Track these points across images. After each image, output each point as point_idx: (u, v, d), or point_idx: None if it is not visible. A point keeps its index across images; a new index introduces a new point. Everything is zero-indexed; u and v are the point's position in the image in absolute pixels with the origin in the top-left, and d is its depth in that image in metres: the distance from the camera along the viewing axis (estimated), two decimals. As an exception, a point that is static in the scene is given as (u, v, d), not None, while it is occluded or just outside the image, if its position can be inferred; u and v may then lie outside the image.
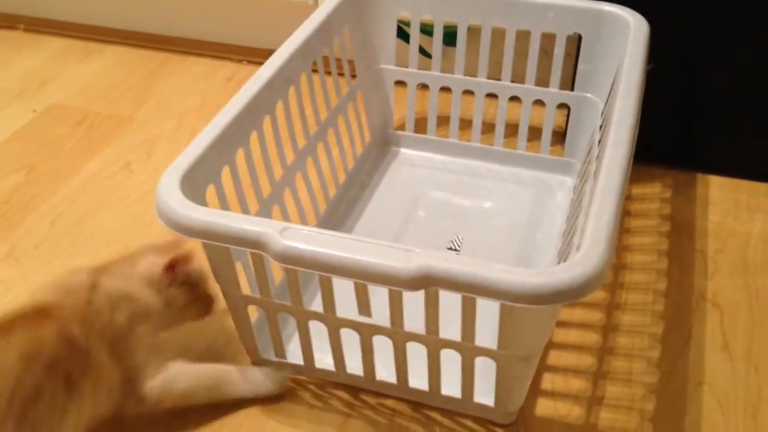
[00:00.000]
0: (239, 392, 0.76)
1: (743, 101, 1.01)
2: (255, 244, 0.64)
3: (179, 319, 0.76)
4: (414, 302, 0.66)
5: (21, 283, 0.92)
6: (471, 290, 0.60)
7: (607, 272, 0.60)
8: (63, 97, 1.26)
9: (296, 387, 0.79)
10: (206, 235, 0.65)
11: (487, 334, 0.67)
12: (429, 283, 0.60)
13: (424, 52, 1.11)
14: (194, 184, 0.71)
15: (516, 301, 0.59)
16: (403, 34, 1.08)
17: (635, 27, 0.91)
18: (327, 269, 0.62)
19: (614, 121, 0.76)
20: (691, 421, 0.75)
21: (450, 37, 1.05)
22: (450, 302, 0.64)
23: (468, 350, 0.69)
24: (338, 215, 1.01)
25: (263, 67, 0.86)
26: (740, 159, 1.05)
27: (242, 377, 0.76)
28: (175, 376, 0.72)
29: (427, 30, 1.06)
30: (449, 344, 0.69)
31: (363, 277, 0.61)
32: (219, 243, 0.65)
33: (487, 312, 0.64)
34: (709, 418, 0.75)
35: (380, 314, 0.69)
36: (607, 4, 0.96)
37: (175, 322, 0.76)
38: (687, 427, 0.74)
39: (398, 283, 0.60)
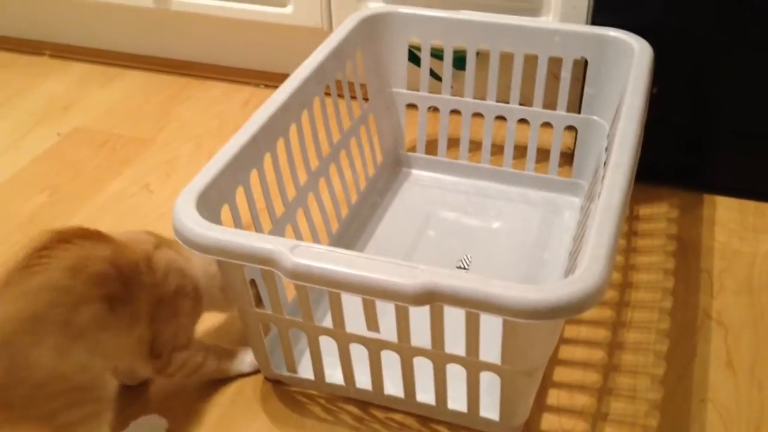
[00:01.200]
0: (241, 369, 0.83)
1: (749, 123, 1.03)
2: (266, 261, 0.66)
3: (219, 308, 0.83)
4: (421, 318, 0.68)
5: None
6: (473, 306, 0.62)
7: (606, 289, 0.62)
8: (86, 120, 1.30)
9: (307, 401, 0.81)
10: (220, 252, 0.68)
11: (491, 350, 0.69)
12: (433, 298, 0.63)
13: (435, 76, 1.14)
14: (209, 204, 0.74)
15: (517, 317, 0.61)
16: (414, 58, 1.11)
17: (639, 52, 0.94)
18: (335, 285, 0.64)
19: (616, 143, 0.78)
20: None
21: (460, 61, 1.08)
22: (456, 319, 0.66)
23: (473, 365, 0.71)
24: (350, 234, 1.03)
25: (278, 90, 0.89)
26: (747, 180, 1.07)
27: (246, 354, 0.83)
28: (196, 351, 0.79)
29: (437, 54, 1.09)
30: (455, 359, 0.71)
31: (370, 292, 0.64)
32: (232, 260, 0.68)
33: (492, 328, 0.66)
34: None
35: (388, 330, 0.71)
36: (613, 29, 0.99)
37: (215, 309, 0.83)
38: None
39: (404, 299, 0.63)
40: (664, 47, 0.96)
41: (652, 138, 0.98)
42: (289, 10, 1.26)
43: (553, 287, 0.61)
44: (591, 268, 0.62)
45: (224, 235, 0.68)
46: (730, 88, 1.01)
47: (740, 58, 0.99)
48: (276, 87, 0.90)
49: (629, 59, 0.93)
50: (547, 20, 1.13)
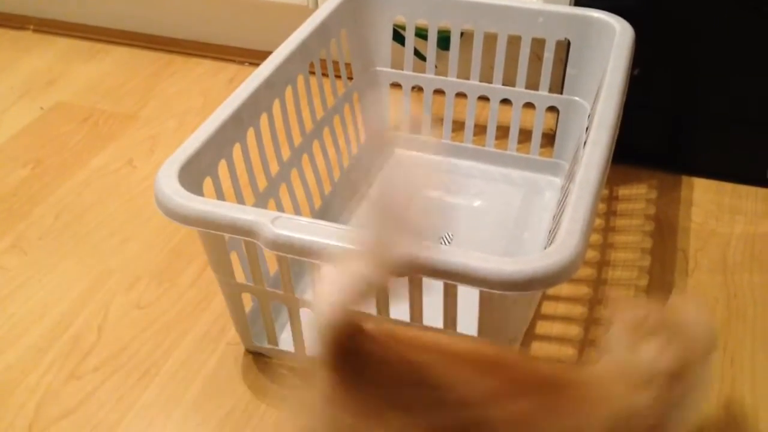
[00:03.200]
0: None
1: (728, 106, 1.04)
2: (247, 232, 0.67)
3: None
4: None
5: (25, 272, 0.96)
6: (451, 277, 0.63)
7: (580, 262, 0.63)
8: (70, 95, 1.30)
9: (287, 373, 0.82)
10: (201, 223, 0.68)
11: (468, 322, 0.70)
12: (411, 270, 0.63)
13: (419, 55, 1.14)
14: (191, 177, 0.74)
15: (493, 288, 0.62)
16: (398, 38, 1.11)
17: (620, 33, 0.95)
18: (315, 257, 0.65)
19: (594, 123, 0.79)
20: None
21: (444, 41, 1.09)
22: (434, 291, 0.67)
23: (450, 337, 0.72)
24: (333, 211, 1.04)
25: (262, 66, 0.89)
26: (724, 162, 1.08)
27: None
28: None
29: (421, 34, 1.09)
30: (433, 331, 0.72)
31: (349, 264, 0.65)
32: (213, 231, 0.68)
33: (469, 302, 0.68)
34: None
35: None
36: (595, 10, 0.99)
37: None
38: None
39: (382, 270, 0.64)
40: (645, 29, 0.97)
41: (632, 119, 1.00)
42: None
43: (529, 259, 0.62)
44: (566, 241, 0.63)
45: (205, 206, 0.68)
46: (710, 72, 1.03)
47: (720, 41, 1.00)
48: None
49: (611, 40, 0.94)
50: (533, 0, 1.14)
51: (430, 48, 1.08)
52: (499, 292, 0.62)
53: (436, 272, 0.63)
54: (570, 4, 1.10)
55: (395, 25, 1.09)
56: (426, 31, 1.08)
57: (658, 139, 1.10)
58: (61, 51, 1.42)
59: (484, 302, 0.66)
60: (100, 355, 0.85)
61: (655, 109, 1.08)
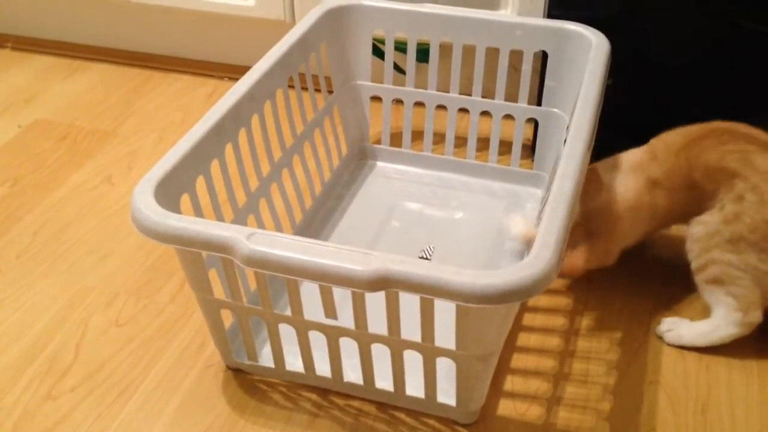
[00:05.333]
0: None
1: (699, 114, 1.05)
2: (223, 248, 0.67)
3: None
4: (379, 305, 0.69)
5: (3, 291, 0.95)
6: (426, 291, 0.63)
7: (554, 274, 0.63)
8: (48, 112, 1.30)
9: (267, 389, 0.82)
10: (177, 240, 0.68)
11: (447, 336, 0.70)
12: (387, 284, 0.64)
13: (398, 69, 1.15)
14: (168, 193, 0.74)
15: (468, 301, 0.62)
16: (377, 52, 1.12)
17: (596, 45, 0.95)
18: (291, 272, 0.65)
19: (570, 134, 0.80)
20: (644, 418, 0.78)
21: (423, 53, 1.09)
22: (413, 306, 0.67)
23: (428, 351, 0.72)
24: (314, 225, 1.04)
25: (240, 81, 0.89)
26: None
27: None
28: None
29: (400, 47, 1.10)
30: (411, 345, 0.72)
31: (325, 279, 0.65)
32: (189, 248, 0.68)
33: (448, 315, 0.68)
34: (662, 415, 0.79)
35: (347, 317, 0.72)
36: (571, 23, 1.00)
37: None
38: (641, 423, 0.78)
39: (358, 285, 0.64)
40: (618, 40, 0.97)
41: (609, 128, 1.01)
42: (251, 2, 1.26)
43: (503, 273, 0.62)
44: (540, 254, 0.64)
45: (181, 223, 0.68)
46: (680, 81, 1.03)
47: (690, 51, 1.01)
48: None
49: (587, 52, 0.95)
50: (507, 14, 1.15)
51: (410, 61, 1.09)
52: (473, 305, 0.62)
53: (411, 286, 0.63)
54: (544, 16, 1.11)
55: (374, 39, 1.10)
56: (404, 44, 1.08)
57: (629, 144, 1.10)
58: (40, 68, 1.42)
59: (461, 315, 0.67)
60: (78, 374, 0.84)
61: (626, 117, 1.08)
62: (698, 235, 0.85)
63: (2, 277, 0.97)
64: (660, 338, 0.86)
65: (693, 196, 0.86)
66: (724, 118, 1.01)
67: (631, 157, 0.91)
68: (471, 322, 0.67)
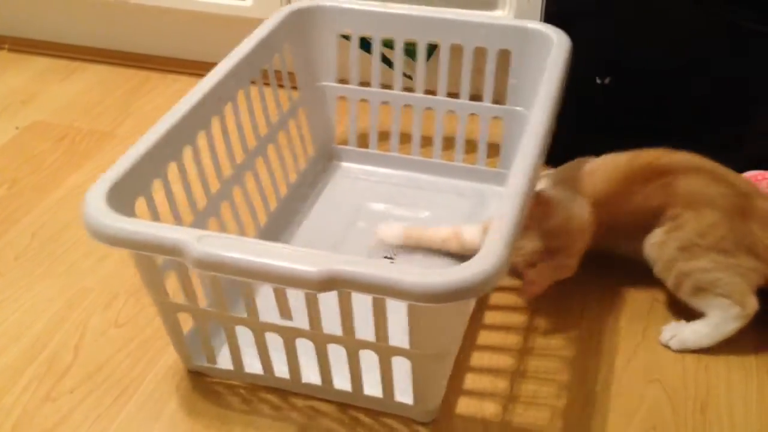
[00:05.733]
0: None
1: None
2: (173, 251, 0.67)
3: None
4: (335, 306, 0.69)
5: (1, 293, 0.94)
6: (375, 291, 0.63)
7: (503, 272, 0.63)
8: (46, 114, 1.30)
9: (226, 392, 0.82)
10: (128, 244, 0.68)
11: (403, 335, 0.70)
12: (336, 285, 0.64)
13: (388, 63, 1.14)
14: (123, 197, 0.74)
15: (417, 300, 0.62)
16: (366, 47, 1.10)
17: (557, 44, 0.96)
18: (241, 273, 0.65)
19: (526, 133, 0.80)
20: (643, 417, 0.79)
21: (412, 53, 1.08)
22: (368, 305, 0.67)
23: (383, 350, 0.72)
24: (279, 227, 1.04)
25: (199, 84, 0.89)
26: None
27: None
28: None
29: (390, 45, 1.08)
30: (366, 345, 0.72)
31: (274, 280, 0.64)
32: (140, 251, 0.68)
33: (404, 314, 0.68)
34: (661, 414, 0.79)
35: (304, 318, 0.72)
36: (534, 22, 1.01)
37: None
38: (640, 422, 0.78)
39: (307, 285, 0.64)
40: (617, 41, 0.97)
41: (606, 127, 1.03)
42: (248, 2, 1.26)
43: (451, 271, 0.62)
44: (489, 251, 0.64)
45: (132, 226, 0.68)
46: (679, 81, 1.03)
47: (688, 51, 1.01)
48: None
49: (549, 50, 0.95)
50: (493, 15, 1.15)
51: (374, 61, 1.09)
52: (422, 304, 0.62)
53: (360, 286, 0.63)
54: (540, 16, 1.11)
55: (362, 37, 1.08)
56: (413, 46, 1.07)
57: (602, 142, 1.10)
58: (37, 70, 1.42)
59: (413, 314, 0.67)
60: (77, 375, 0.83)
61: (629, 118, 1.08)
62: (652, 255, 0.87)
63: (1, 279, 0.96)
64: (667, 347, 0.85)
65: (629, 223, 0.89)
66: (720, 117, 1.02)
67: (587, 166, 0.93)
68: (423, 320, 0.67)
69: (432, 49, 1.07)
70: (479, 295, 0.63)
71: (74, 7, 1.41)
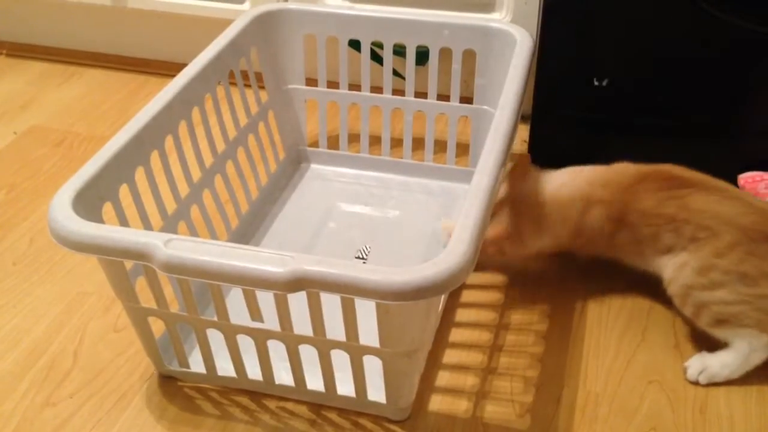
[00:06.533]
0: None
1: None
2: (140, 255, 0.67)
3: None
4: (305, 306, 0.69)
5: (0, 298, 0.94)
6: (342, 290, 0.63)
7: (469, 269, 0.64)
8: (44, 118, 1.29)
9: (199, 396, 0.82)
10: (95, 249, 0.68)
11: (372, 334, 0.71)
12: (304, 285, 0.64)
13: (397, 74, 1.13)
14: (89, 202, 0.74)
15: (384, 299, 0.63)
16: (376, 58, 1.10)
17: (520, 42, 0.97)
18: (208, 276, 0.65)
19: (491, 130, 0.81)
20: (642, 417, 0.79)
21: (421, 56, 1.08)
22: (338, 306, 0.68)
23: (354, 349, 0.73)
24: (251, 230, 1.04)
25: (164, 89, 0.89)
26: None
27: None
28: None
29: (399, 52, 1.07)
30: (337, 345, 0.73)
31: (242, 282, 0.65)
32: (107, 257, 0.68)
33: (372, 313, 0.68)
34: (661, 415, 0.79)
35: (275, 320, 0.72)
36: (497, 21, 1.02)
37: None
38: (639, 422, 0.79)
39: (275, 287, 0.64)
40: (617, 41, 0.98)
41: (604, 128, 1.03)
42: (245, 6, 1.26)
43: (417, 269, 0.63)
44: (454, 249, 0.65)
45: (98, 231, 0.68)
46: (678, 82, 1.02)
47: (688, 52, 0.99)
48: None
49: (512, 49, 0.97)
50: (491, 18, 1.15)
51: (342, 63, 1.09)
52: (389, 302, 0.63)
53: (327, 285, 0.64)
54: (537, 18, 1.11)
55: (373, 44, 1.08)
56: (403, 48, 1.06)
57: (617, 149, 1.09)
58: (35, 75, 1.41)
59: (381, 312, 0.67)
60: (77, 380, 0.83)
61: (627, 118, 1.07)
62: (670, 277, 0.83)
63: None
64: (696, 383, 0.82)
65: (625, 234, 0.87)
66: (717, 117, 1.02)
67: (589, 171, 0.91)
68: (392, 319, 0.68)
69: (402, 49, 1.07)
70: (444, 292, 0.64)
71: (72, 12, 1.41)
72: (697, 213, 0.83)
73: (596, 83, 1.01)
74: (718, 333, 0.82)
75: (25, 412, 0.80)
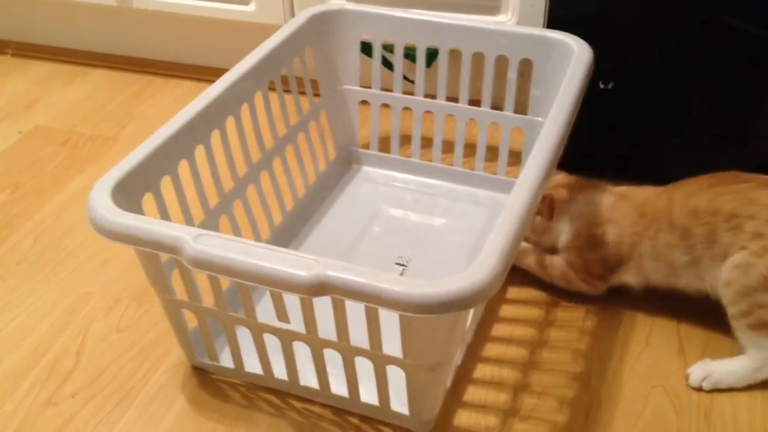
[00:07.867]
0: None
1: (681, 120, 1.03)
2: (171, 248, 0.67)
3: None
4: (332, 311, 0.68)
5: (3, 298, 0.96)
6: (363, 298, 0.62)
7: (497, 284, 0.62)
8: (48, 118, 1.31)
9: (228, 389, 0.82)
10: (129, 239, 0.69)
11: (398, 344, 0.69)
12: (326, 290, 0.63)
13: (407, 79, 1.13)
14: (129, 193, 0.75)
15: (405, 311, 0.61)
16: (385, 63, 1.10)
17: (578, 54, 0.94)
18: (233, 274, 0.65)
19: (537, 143, 0.79)
20: (647, 422, 0.78)
21: (431, 58, 1.07)
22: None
23: (377, 358, 0.72)
24: (294, 228, 1.04)
25: (215, 84, 0.90)
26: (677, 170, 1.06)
27: None
28: None
29: (410, 54, 1.08)
30: (361, 352, 0.72)
31: (265, 282, 0.65)
32: (140, 247, 0.69)
33: (399, 322, 0.67)
34: (665, 420, 0.78)
35: (302, 322, 0.72)
36: (556, 32, 0.99)
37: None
38: (644, 428, 0.77)
39: (297, 290, 0.64)
40: (617, 44, 0.96)
41: (594, 135, 1.01)
42: (251, 7, 1.27)
43: (441, 282, 0.61)
44: (483, 263, 0.63)
45: (134, 221, 0.69)
46: (680, 84, 1.02)
47: (689, 54, 0.99)
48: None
49: (570, 61, 0.94)
50: (497, 20, 1.14)
51: (397, 66, 1.09)
52: (411, 314, 0.61)
53: (350, 293, 0.63)
54: (543, 22, 1.10)
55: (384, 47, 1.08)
56: (413, 50, 1.07)
57: (614, 147, 1.08)
58: (40, 75, 1.44)
59: (404, 323, 0.66)
60: (79, 380, 0.84)
61: (618, 127, 1.06)
62: (730, 278, 0.80)
63: (3, 284, 0.98)
64: (700, 390, 0.81)
65: (686, 227, 0.83)
66: (723, 119, 0.99)
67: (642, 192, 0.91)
68: (415, 331, 0.67)
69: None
70: (468, 308, 0.62)
71: (77, 12, 1.43)
72: (765, 208, 0.78)
73: (602, 86, 0.98)
74: (750, 335, 0.80)
75: (27, 411, 0.81)
